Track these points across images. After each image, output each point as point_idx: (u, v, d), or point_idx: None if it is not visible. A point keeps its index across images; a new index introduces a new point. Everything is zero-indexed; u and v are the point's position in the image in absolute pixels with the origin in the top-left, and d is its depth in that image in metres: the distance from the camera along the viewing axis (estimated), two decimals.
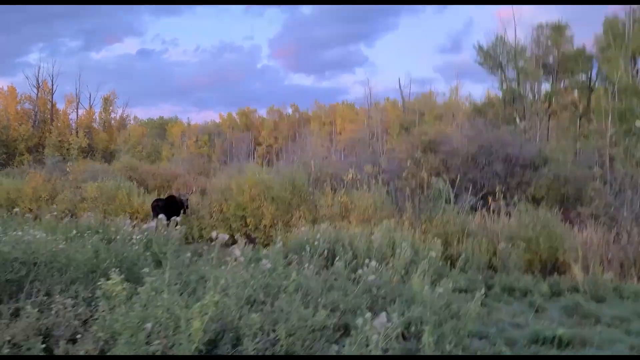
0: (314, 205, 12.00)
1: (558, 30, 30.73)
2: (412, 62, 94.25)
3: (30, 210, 17.29)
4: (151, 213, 15.03)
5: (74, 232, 7.07)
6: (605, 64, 27.62)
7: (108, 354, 3.07)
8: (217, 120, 64.89)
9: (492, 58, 27.41)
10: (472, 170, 19.41)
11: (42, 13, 73.12)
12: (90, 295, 4.08)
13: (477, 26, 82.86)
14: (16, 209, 10.33)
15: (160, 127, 65.26)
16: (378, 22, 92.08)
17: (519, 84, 27.55)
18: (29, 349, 3.11)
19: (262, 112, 62.05)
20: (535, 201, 14.73)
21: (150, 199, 15.78)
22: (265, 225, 11.86)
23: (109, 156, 47.48)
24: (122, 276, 3.47)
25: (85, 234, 7.02)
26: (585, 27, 54.08)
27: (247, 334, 3.40)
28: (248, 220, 12.37)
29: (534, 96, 28.39)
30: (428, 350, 3.72)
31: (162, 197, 14.11)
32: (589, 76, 30.95)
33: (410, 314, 4.17)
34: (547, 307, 6.35)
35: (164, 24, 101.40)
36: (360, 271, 5.21)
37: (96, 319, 3.42)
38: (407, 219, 10.99)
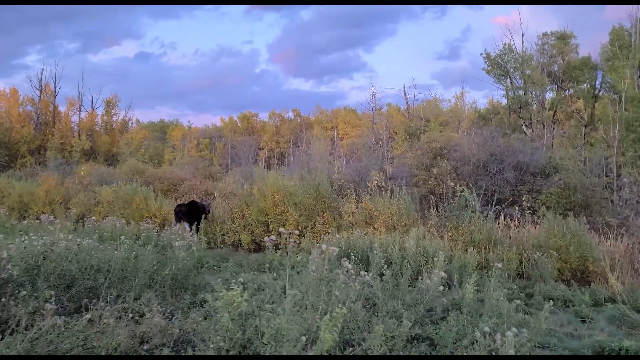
0: (337, 211, 12.04)
1: (563, 38, 31.01)
2: (410, 69, 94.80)
3: (44, 213, 17.28)
4: (171, 218, 15.08)
5: (122, 238, 7.12)
6: (611, 73, 27.89)
7: None
8: (218, 123, 64.89)
9: (500, 66, 27.57)
10: (483, 178, 19.54)
11: (39, 14, 73.07)
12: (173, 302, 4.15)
13: (475, 33, 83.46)
14: (47, 215, 10.27)
15: (161, 130, 65.17)
16: (376, 28, 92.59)
17: (525, 92, 27.72)
18: None
19: (264, 116, 62.12)
20: (547, 209, 14.83)
21: (167, 203, 15.81)
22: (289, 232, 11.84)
23: (111, 159, 47.47)
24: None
25: (130, 241, 7.06)
26: (586, 32, 54.44)
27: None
28: (271, 226, 12.41)
29: (540, 104, 28.57)
30: None
31: (184, 202, 14.09)
32: (593, 85, 31.23)
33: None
34: (593, 317, 6.41)
35: (163, 27, 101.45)
36: (422, 280, 5.25)
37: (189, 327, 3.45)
38: (433, 227, 11.08)
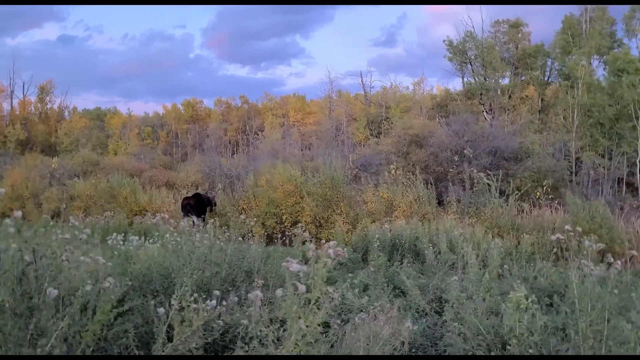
0: (354, 201, 11.85)
1: (516, 26, 32.09)
2: (348, 55, 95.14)
3: (12, 209, 15.92)
4: (163, 211, 14.31)
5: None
6: (563, 60, 29.21)
7: None
8: (153, 111, 62.62)
9: (461, 53, 28.16)
10: (461, 164, 19.95)
11: None
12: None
13: (410, 20, 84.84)
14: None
15: (98, 119, 61.97)
16: (314, 13, 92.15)
17: (485, 79, 28.50)
18: None
19: (209, 103, 60.52)
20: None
21: (158, 196, 15.03)
22: (306, 222, 11.56)
23: (48, 149, 44.53)
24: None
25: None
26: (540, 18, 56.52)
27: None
28: (284, 217, 12.03)
29: (499, 91, 29.50)
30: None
31: (188, 195, 13.41)
32: (544, 72, 32.61)
33: None
34: None
35: (88, 9, 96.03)
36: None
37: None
38: (454, 214, 11.13)
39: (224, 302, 3.20)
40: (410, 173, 12.12)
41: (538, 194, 11.72)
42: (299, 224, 12.20)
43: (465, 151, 15.53)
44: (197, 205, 12.11)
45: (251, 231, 12.46)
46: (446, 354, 3.39)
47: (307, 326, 2.31)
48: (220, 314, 2.93)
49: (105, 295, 2.71)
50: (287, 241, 10.89)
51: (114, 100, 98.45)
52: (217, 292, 3.15)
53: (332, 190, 11.77)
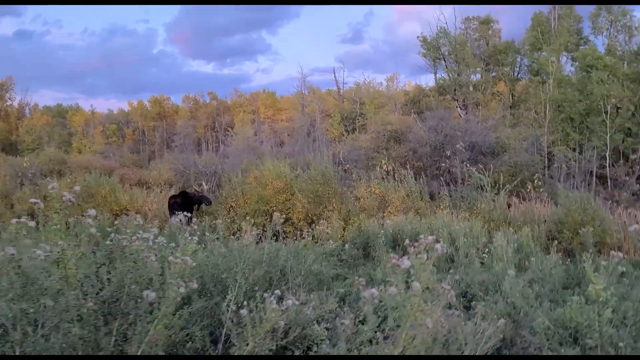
0: (346, 197, 11.74)
1: (486, 23, 32.59)
2: (315, 51, 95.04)
3: None
4: (145, 211, 13.94)
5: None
6: (532, 56, 29.82)
7: None
8: (117, 109, 61.16)
9: (435, 49, 28.39)
10: (441, 159, 20.14)
11: None
12: None
13: (377, 18, 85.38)
14: None
15: (60, 116, 60.00)
16: (280, 9, 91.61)
17: (459, 75, 28.82)
18: None
19: (177, 100, 59.42)
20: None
21: (139, 195, 14.58)
22: (298, 219, 11.40)
23: (9, 148, 42.88)
24: None
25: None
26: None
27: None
28: (274, 215, 11.79)
29: (471, 86, 29.88)
30: None
31: (174, 193, 13.03)
32: (514, 68, 33.24)
33: None
34: None
35: (46, 4, 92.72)
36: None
37: None
38: (446, 208, 11.15)
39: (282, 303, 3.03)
40: (401, 167, 12.08)
41: (529, 187, 11.84)
42: (290, 221, 12.13)
43: (457, 146, 15.59)
44: (184, 204, 11.76)
45: (240, 229, 12.26)
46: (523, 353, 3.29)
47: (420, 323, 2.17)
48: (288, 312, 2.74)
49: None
50: (279, 238, 10.68)
51: (74, 97, 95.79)
52: (278, 292, 2.97)
53: (323, 186, 11.62)
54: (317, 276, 5.01)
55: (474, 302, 5.03)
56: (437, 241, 2.41)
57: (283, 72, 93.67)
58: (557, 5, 28.68)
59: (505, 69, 31.59)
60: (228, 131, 45.05)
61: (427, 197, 11.77)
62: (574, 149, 24.38)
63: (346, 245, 8.80)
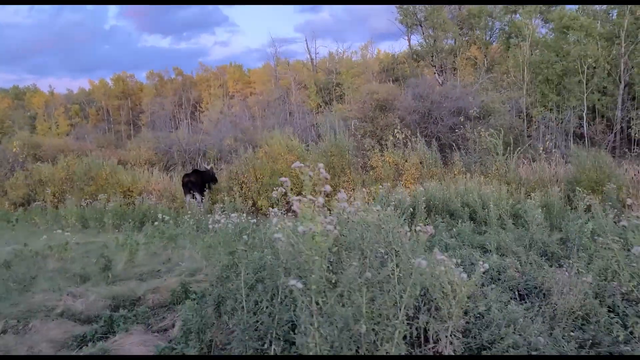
0: (361, 167, 11.78)
1: None
2: (273, 21, 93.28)
3: None
4: (149, 191, 13.71)
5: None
6: (504, 19, 30.17)
7: None
8: (87, 86, 58.99)
9: (412, 15, 28.32)
10: (429, 126, 20.32)
11: None
12: None
13: None
14: None
15: (17, 98, 57.48)
16: None
17: (435, 40, 28.91)
18: None
19: (141, 77, 57.64)
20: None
21: (142, 175, 14.26)
22: (314, 192, 11.33)
23: None
24: None
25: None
26: None
27: None
28: (289, 189, 11.75)
29: (449, 51, 30.05)
30: None
31: (187, 172, 12.79)
32: (486, 32, 33.54)
33: None
34: None
35: None
36: None
37: None
38: (460, 173, 11.33)
39: None
40: (413, 135, 12.16)
41: (542, 148, 12.13)
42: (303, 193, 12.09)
43: (470, 112, 15.76)
44: (198, 182, 11.60)
45: (255, 204, 12.20)
46: None
47: None
48: None
49: None
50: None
51: (23, 77, 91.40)
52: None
53: (337, 157, 11.61)
54: None
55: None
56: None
57: (242, 44, 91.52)
58: None
59: (478, 33, 31.86)
60: (199, 107, 44.14)
61: (441, 163, 11.91)
62: (552, 110, 24.99)
63: None
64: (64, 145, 26.46)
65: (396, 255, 2.59)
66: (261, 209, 11.74)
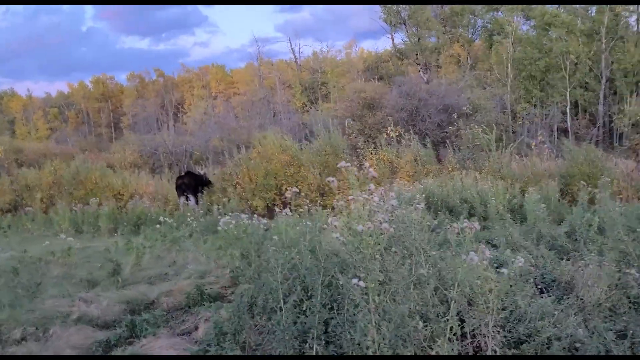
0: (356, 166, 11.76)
1: None
2: (253, 21, 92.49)
3: None
4: (139, 194, 13.56)
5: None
6: (487, 17, 30.48)
7: None
8: (65, 90, 58.10)
9: (396, 13, 28.46)
10: (418, 123, 20.44)
11: None
12: None
13: None
14: None
15: None
16: None
17: (419, 38, 29.09)
18: None
19: (121, 79, 56.91)
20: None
21: (133, 178, 14.10)
22: (311, 191, 11.37)
23: None
24: None
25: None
26: None
27: None
28: (284, 188, 11.73)
29: (431, 50, 30.25)
30: None
31: (181, 174, 12.67)
32: (469, 29, 33.88)
33: None
34: None
35: None
36: None
37: None
38: (454, 170, 11.41)
39: None
40: (407, 133, 12.23)
41: (534, 144, 12.28)
42: (301, 193, 12.07)
43: (463, 108, 15.88)
44: (192, 184, 11.50)
45: (251, 205, 12.14)
46: None
47: None
48: None
49: None
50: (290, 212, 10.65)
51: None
52: None
53: (332, 156, 11.62)
54: None
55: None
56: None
57: (222, 44, 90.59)
58: None
59: (461, 31, 32.14)
60: (182, 109, 43.75)
61: (435, 160, 11.98)
62: (536, 106, 25.34)
63: None
64: (45, 150, 26.06)
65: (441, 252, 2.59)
66: (256, 209, 11.68)
